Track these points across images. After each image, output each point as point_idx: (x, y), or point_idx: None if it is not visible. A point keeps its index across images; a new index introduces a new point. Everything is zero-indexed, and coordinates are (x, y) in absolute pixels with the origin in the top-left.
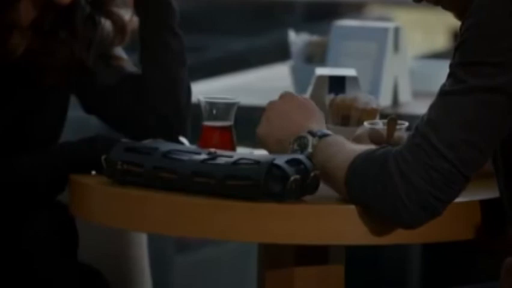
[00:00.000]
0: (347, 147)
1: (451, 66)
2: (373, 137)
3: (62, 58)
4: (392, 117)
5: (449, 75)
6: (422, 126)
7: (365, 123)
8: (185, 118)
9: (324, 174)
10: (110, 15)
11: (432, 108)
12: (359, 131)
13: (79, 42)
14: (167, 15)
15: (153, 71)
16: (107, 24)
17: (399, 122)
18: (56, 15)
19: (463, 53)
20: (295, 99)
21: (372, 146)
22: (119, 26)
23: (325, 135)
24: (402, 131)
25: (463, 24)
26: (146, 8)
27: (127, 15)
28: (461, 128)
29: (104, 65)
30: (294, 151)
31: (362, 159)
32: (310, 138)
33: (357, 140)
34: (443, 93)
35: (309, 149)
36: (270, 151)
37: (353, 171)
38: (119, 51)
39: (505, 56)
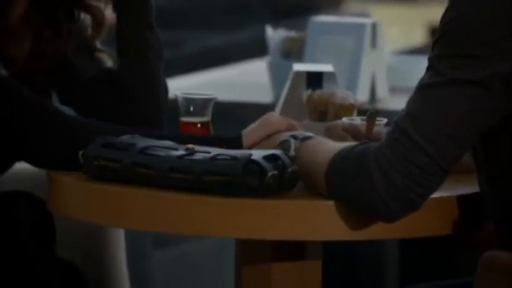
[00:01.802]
0: (327, 146)
1: (429, 59)
2: (352, 132)
3: (49, 59)
4: (371, 113)
5: (428, 68)
6: (401, 121)
7: (344, 119)
8: (164, 114)
9: (306, 174)
10: (90, 9)
11: (410, 101)
12: (330, 124)
13: (62, 40)
14: (145, 10)
15: (132, 66)
16: (86, 18)
17: (378, 117)
18: (41, 16)
19: (442, 46)
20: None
21: (348, 141)
22: (99, 20)
23: (307, 138)
24: (381, 126)
25: (442, 17)
26: (124, 3)
27: (106, 9)
28: (440, 121)
29: (83, 58)
30: None
31: (341, 156)
32: (292, 141)
33: (328, 131)
34: (422, 86)
35: (292, 152)
36: None
37: (333, 168)
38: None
39: (484, 49)
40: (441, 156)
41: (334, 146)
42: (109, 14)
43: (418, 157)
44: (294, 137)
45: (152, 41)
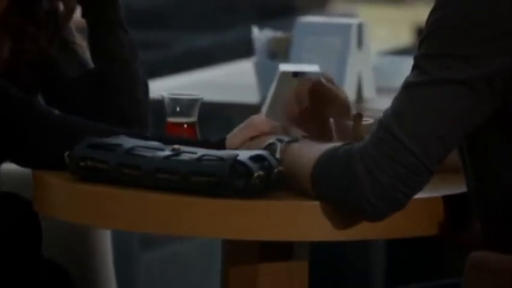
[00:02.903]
0: (312, 148)
1: (415, 58)
2: (339, 132)
3: (32, 55)
4: (358, 113)
5: (414, 67)
6: (386, 120)
7: (331, 119)
8: (145, 113)
9: (292, 176)
10: None
11: (396, 100)
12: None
13: (43, 34)
14: (116, 12)
15: (110, 68)
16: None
17: (365, 118)
18: (20, 11)
19: (429, 45)
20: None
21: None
22: (70, 6)
23: (292, 141)
24: (367, 126)
25: (428, 16)
26: (95, 7)
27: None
28: (426, 120)
29: (67, 58)
30: None
31: (327, 156)
32: (278, 143)
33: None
34: (408, 85)
35: (277, 155)
36: None
37: (318, 169)
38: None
39: (470, 49)
40: (427, 156)
41: (319, 148)
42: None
43: (404, 157)
44: (280, 140)
45: (126, 42)
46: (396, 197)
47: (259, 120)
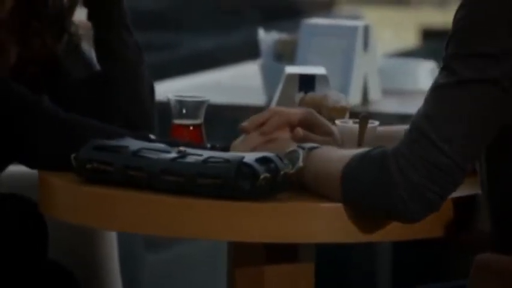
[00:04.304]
0: (338, 154)
1: (444, 59)
2: (345, 135)
3: (37, 50)
4: (363, 116)
5: (443, 68)
6: (418, 121)
7: (337, 122)
8: (151, 115)
9: (316, 183)
10: None
11: (426, 102)
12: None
13: (49, 32)
14: (121, 14)
15: (113, 68)
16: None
17: (371, 120)
18: (27, 10)
19: (456, 45)
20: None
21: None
22: (73, 1)
23: (314, 148)
24: (373, 129)
25: (455, 15)
26: (101, 9)
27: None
28: (457, 121)
29: (73, 59)
30: (285, 166)
31: (357, 160)
32: (300, 151)
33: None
34: (437, 86)
35: (300, 163)
36: None
37: (349, 172)
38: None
39: (497, 47)
40: (459, 156)
41: (344, 153)
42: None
43: (436, 157)
44: (301, 147)
45: (131, 42)
46: (429, 196)
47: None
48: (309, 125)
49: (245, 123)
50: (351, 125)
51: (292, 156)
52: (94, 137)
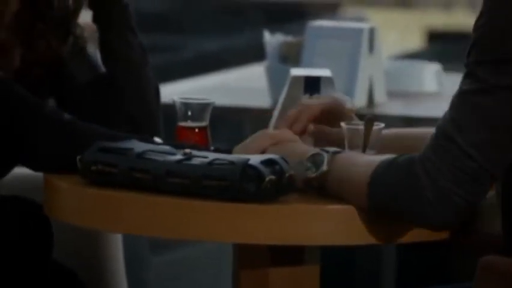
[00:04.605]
0: (363, 159)
1: (468, 65)
2: (350, 137)
3: (42, 52)
4: (369, 118)
5: (467, 74)
6: (444, 126)
7: (342, 124)
8: (156, 118)
9: (340, 188)
10: None
11: (452, 107)
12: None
13: (54, 33)
14: (126, 16)
15: (118, 70)
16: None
17: (376, 122)
18: (32, 11)
19: (479, 51)
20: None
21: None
22: (79, 2)
23: (337, 152)
24: (379, 131)
25: (476, 21)
26: (106, 11)
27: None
28: (484, 127)
29: (78, 62)
30: (307, 169)
31: (384, 167)
32: (325, 154)
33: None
34: (463, 92)
35: (324, 167)
36: None
37: (376, 178)
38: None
39: None
40: (488, 162)
41: (370, 159)
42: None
43: (464, 163)
44: (325, 151)
45: (136, 44)
46: (455, 200)
47: (262, 135)
48: (333, 114)
49: (278, 124)
50: (357, 127)
51: (316, 160)
52: (95, 140)
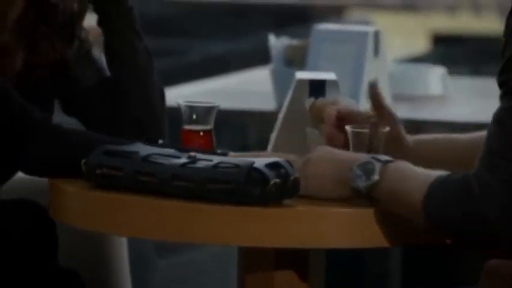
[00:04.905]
0: (418, 171)
1: (504, 82)
2: (356, 141)
3: (45, 54)
4: (375, 122)
5: (507, 91)
6: (493, 144)
7: (347, 127)
8: (161, 121)
9: (392, 200)
10: None
11: (496, 124)
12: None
13: (58, 36)
14: (131, 19)
15: (125, 75)
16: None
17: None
18: (36, 13)
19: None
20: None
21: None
22: (83, 5)
23: (390, 161)
24: (384, 135)
25: (508, 36)
26: (111, 15)
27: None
28: None
29: (83, 65)
30: (357, 177)
31: (441, 182)
32: (376, 163)
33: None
34: (505, 109)
35: (376, 176)
36: (327, 195)
37: (432, 194)
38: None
39: None
40: None
41: (426, 172)
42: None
43: None
44: (377, 159)
45: (141, 48)
46: None
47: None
48: (348, 119)
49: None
50: (362, 130)
51: (366, 168)
52: (87, 146)
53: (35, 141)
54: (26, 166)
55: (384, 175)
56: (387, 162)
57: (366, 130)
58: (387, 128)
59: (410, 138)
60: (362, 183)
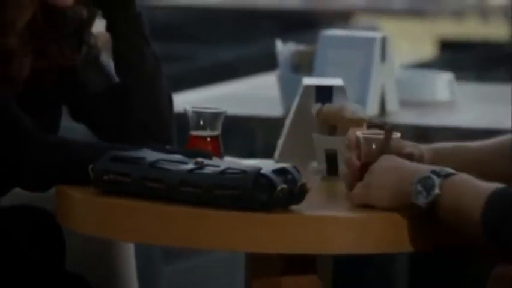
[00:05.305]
0: (476, 184)
1: None
2: (368, 146)
3: (54, 59)
4: (389, 127)
5: None
6: None
7: (358, 133)
8: (169, 126)
9: (453, 213)
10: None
11: None
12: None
13: (67, 40)
14: (138, 25)
15: (133, 81)
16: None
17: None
18: (46, 19)
19: None
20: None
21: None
22: (92, 11)
23: (450, 174)
24: (397, 141)
25: None
26: (119, 20)
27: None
28: None
29: (92, 71)
30: (418, 193)
31: (499, 194)
32: (436, 178)
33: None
34: None
35: (437, 190)
36: (386, 206)
37: (491, 208)
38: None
39: None
40: None
41: (484, 186)
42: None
43: None
44: (436, 174)
45: (149, 54)
46: None
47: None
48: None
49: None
50: (376, 136)
51: (426, 183)
52: (76, 156)
53: (30, 156)
54: (25, 182)
55: (444, 190)
56: (447, 176)
57: (380, 137)
58: (399, 134)
59: (425, 148)
60: (422, 200)
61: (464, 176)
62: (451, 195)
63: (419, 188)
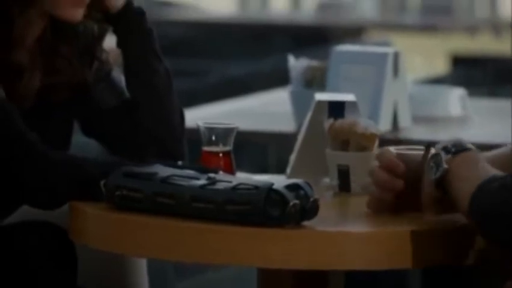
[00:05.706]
0: (480, 166)
1: None
2: (406, 163)
3: (64, 74)
4: (428, 144)
5: None
6: None
7: (391, 149)
8: (181, 141)
9: (453, 187)
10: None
11: None
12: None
13: (78, 55)
14: (149, 40)
15: (145, 97)
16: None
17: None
18: (56, 34)
19: None
20: None
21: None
22: (103, 28)
23: (460, 151)
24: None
25: None
26: (130, 36)
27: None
28: None
29: (103, 87)
30: (430, 168)
31: (495, 179)
32: (444, 154)
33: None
34: None
35: (444, 165)
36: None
37: (483, 188)
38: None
39: None
40: None
41: (488, 168)
42: (115, 48)
43: None
44: (446, 150)
45: (161, 70)
46: None
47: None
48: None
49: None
50: (414, 152)
51: (436, 159)
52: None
53: (34, 173)
54: (30, 199)
55: (451, 165)
56: (457, 152)
57: (418, 153)
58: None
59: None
60: (432, 176)
61: (471, 156)
62: (455, 171)
63: (431, 164)
